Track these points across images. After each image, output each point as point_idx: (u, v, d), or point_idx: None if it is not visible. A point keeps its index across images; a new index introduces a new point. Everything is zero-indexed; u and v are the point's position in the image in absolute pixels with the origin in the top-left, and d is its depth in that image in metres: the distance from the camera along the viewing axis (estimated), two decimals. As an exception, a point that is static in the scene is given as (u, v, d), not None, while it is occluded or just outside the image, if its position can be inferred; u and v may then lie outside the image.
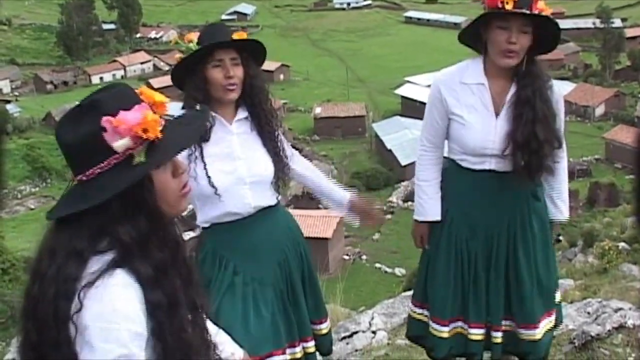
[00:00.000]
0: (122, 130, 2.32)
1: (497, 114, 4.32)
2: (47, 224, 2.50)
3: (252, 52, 4.19)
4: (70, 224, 2.41)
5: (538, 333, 4.54)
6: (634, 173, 2.38)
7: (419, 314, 4.86)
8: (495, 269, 4.52)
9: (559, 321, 4.86)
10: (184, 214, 2.69)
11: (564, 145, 4.42)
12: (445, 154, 4.67)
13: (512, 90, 4.31)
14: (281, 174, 4.27)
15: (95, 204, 2.34)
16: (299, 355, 4.36)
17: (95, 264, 2.36)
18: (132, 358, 2.28)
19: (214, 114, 4.09)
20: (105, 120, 2.31)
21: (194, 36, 4.12)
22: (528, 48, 4.20)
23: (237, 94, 4.10)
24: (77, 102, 2.48)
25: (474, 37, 4.35)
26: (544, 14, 4.11)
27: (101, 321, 2.27)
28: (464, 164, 4.48)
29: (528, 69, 4.26)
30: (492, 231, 4.50)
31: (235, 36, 4.09)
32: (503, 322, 4.59)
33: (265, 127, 4.23)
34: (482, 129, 4.33)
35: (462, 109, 4.38)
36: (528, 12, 4.06)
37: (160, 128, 2.40)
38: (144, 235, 2.40)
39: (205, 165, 4.04)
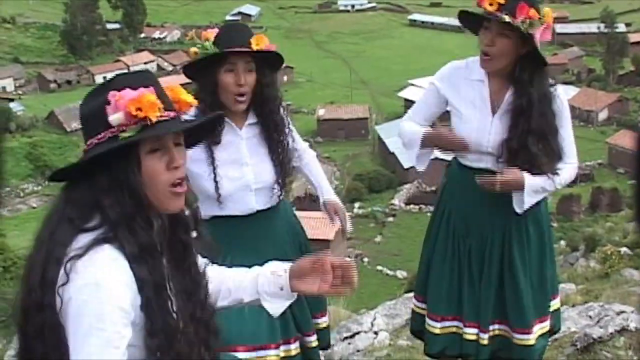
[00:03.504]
0: (120, 104, 2.41)
1: (493, 113, 4.33)
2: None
3: (268, 59, 4.16)
4: (67, 193, 2.53)
5: (532, 338, 4.52)
6: (634, 177, 2.37)
7: (420, 308, 4.87)
8: (489, 271, 4.52)
9: (556, 328, 4.85)
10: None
11: (572, 154, 4.39)
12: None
13: (510, 92, 4.30)
14: (283, 180, 4.28)
15: (73, 165, 2.48)
16: (293, 353, 4.34)
17: (83, 239, 2.42)
18: (112, 330, 2.31)
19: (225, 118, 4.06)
20: (111, 95, 2.42)
21: (211, 35, 4.07)
22: (522, 55, 4.16)
23: (246, 105, 4.09)
24: (80, 102, 2.57)
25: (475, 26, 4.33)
26: (528, 21, 4.02)
27: (84, 293, 2.31)
28: (463, 161, 4.51)
29: (523, 76, 4.21)
30: (487, 232, 4.50)
31: (254, 41, 4.04)
32: (492, 326, 4.57)
33: (273, 136, 4.23)
34: (479, 125, 4.34)
35: (461, 103, 4.41)
36: (504, 17, 4.00)
37: (158, 114, 2.46)
38: (129, 214, 2.46)
39: (214, 168, 4.06)
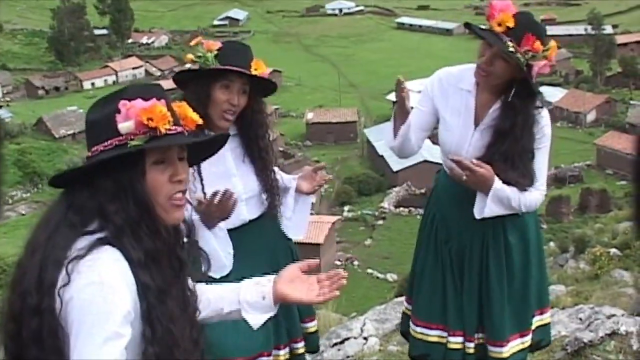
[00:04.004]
0: (130, 113, 2.41)
1: (476, 125, 4.31)
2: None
3: (263, 87, 4.19)
4: (67, 198, 2.50)
5: (505, 352, 4.46)
6: (633, 179, 2.35)
7: (408, 310, 4.87)
8: (469, 278, 4.50)
9: (544, 342, 4.80)
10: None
11: (542, 180, 4.30)
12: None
13: (496, 106, 4.26)
14: (271, 188, 4.29)
15: (80, 168, 2.47)
16: (282, 359, 4.36)
17: (84, 241, 2.40)
18: (114, 329, 2.28)
19: (207, 131, 4.02)
20: (122, 104, 2.42)
21: (215, 47, 4.04)
22: (516, 80, 4.10)
23: (230, 124, 4.09)
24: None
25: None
26: (531, 53, 3.96)
27: (87, 293, 2.29)
28: (445, 165, 4.51)
29: (511, 102, 4.16)
30: (466, 239, 4.49)
31: (254, 65, 4.04)
32: (477, 335, 4.55)
33: (257, 161, 4.24)
34: (460, 134, 4.34)
35: (447, 111, 4.40)
36: (508, 44, 3.94)
37: (167, 126, 2.47)
38: (134, 221, 2.45)
39: (202, 181, 4.05)
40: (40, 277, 2.38)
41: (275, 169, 4.38)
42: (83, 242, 2.40)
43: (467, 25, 4.25)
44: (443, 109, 4.42)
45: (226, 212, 3.95)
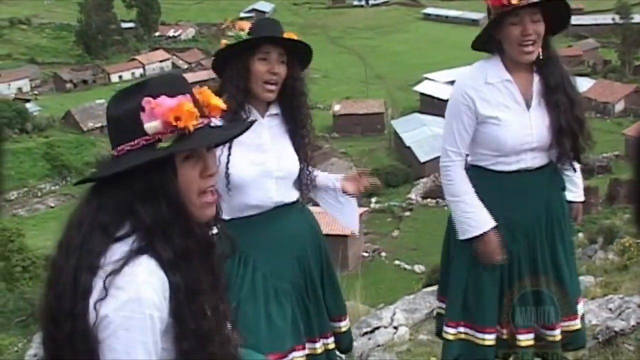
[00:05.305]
0: (156, 112, 2.36)
1: (528, 107, 4.27)
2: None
3: (299, 54, 4.20)
4: (98, 197, 2.47)
5: (579, 323, 4.53)
6: (634, 180, 2.32)
7: (441, 309, 4.80)
8: (543, 269, 4.43)
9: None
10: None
11: None
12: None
13: (536, 79, 4.27)
14: (305, 176, 4.28)
15: (110, 173, 2.41)
16: (319, 351, 4.33)
17: (118, 251, 2.38)
18: (154, 341, 2.31)
19: (247, 105, 4.08)
20: (146, 101, 2.36)
21: (246, 25, 4.10)
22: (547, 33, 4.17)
23: (275, 95, 4.09)
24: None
25: (487, 39, 4.32)
26: None
27: (126, 310, 2.28)
28: (497, 168, 4.36)
29: (547, 55, 4.22)
30: (532, 231, 4.41)
31: (286, 35, 4.09)
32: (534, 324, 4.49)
33: (298, 131, 4.23)
34: (518, 125, 4.25)
35: (494, 110, 4.27)
36: (535, 0, 4.02)
37: (195, 122, 2.41)
38: (166, 221, 2.42)
39: (230, 149, 4.02)
40: (75, 282, 2.36)
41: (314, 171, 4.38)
42: (117, 250, 2.38)
43: (476, 42, 4.36)
44: (489, 110, 4.28)
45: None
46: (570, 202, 4.60)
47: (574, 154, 4.33)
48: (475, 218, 4.34)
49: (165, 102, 2.38)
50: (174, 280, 2.40)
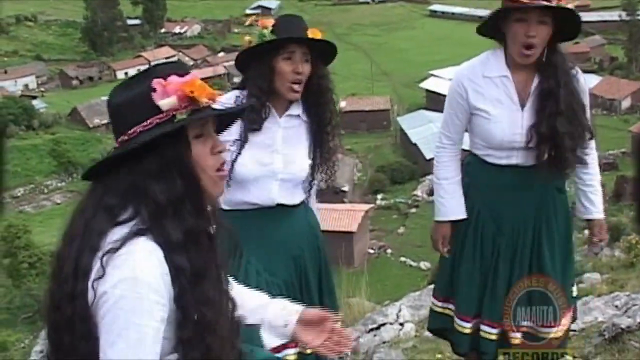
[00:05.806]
0: (170, 89, 2.40)
1: (522, 107, 4.27)
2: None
3: (323, 52, 4.21)
4: (104, 182, 2.48)
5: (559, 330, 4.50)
6: (634, 180, 2.30)
7: (442, 307, 4.81)
8: (520, 266, 4.46)
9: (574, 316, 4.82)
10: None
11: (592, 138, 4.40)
12: (466, 147, 4.63)
13: (536, 81, 4.26)
14: (318, 175, 4.30)
15: (127, 150, 2.41)
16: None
17: (118, 232, 2.39)
18: (149, 325, 2.30)
19: (268, 104, 4.09)
20: (156, 82, 2.40)
21: (269, 23, 4.10)
22: (549, 37, 4.15)
23: (299, 95, 4.11)
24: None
25: (493, 29, 4.31)
26: (564, 4, 4.05)
27: (121, 288, 2.28)
28: (489, 159, 4.42)
29: (550, 58, 4.21)
30: (519, 226, 4.44)
31: (310, 33, 4.09)
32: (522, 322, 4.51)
33: (324, 128, 4.25)
34: (509, 122, 4.27)
35: (487, 103, 4.31)
36: (546, 3, 4.00)
37: (206, 97, 2.47)
38: (179, 197, 2.44)
39: (243, 143, 4.05)
40: (76, 263, 2.38)
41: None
42: (117, 232, 2.38)
43: (481, 27, 4.37)
44: (481, 103, 4.33)
45: None
46: (588, 220, 4.57)
47: (555, 165, 4.28)
48: (446, 205, 4.53)
49: (177, 79, 2.43)
50: (180, 263, 2.40)
